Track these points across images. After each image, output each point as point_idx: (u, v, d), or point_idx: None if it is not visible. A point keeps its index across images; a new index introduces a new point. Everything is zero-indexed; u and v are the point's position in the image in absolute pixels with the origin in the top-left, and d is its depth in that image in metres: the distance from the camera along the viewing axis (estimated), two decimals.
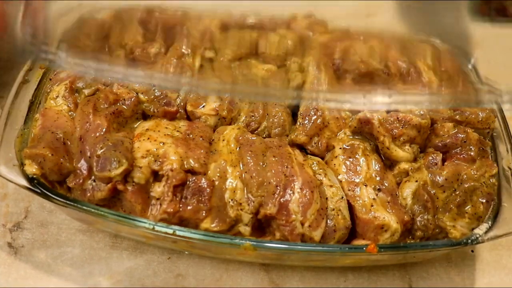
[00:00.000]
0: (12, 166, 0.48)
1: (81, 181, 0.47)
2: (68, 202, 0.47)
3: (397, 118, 0.50)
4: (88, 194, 0.47)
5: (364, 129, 0.51)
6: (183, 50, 0.55)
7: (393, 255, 0.48)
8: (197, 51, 0.55)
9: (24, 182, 0.47)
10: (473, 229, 0.47)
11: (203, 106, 0.52)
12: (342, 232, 0.47)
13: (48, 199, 0.47)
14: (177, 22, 0.57)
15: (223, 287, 0.52)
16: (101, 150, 0.47)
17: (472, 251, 0.55)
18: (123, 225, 0.46)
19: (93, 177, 0.47)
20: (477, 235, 0.46)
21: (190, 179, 0.47)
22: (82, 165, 0.48)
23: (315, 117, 0.52)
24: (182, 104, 0.52)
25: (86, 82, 0.52)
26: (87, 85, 0.52)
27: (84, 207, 0.46)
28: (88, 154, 0.48)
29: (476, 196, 0.47)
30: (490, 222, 0.47)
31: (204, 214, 0.47)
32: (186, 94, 0.52)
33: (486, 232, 0.46)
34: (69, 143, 0.49)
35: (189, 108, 0.52)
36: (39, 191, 0.47)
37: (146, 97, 0.52)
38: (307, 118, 0.52)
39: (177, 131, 0.50)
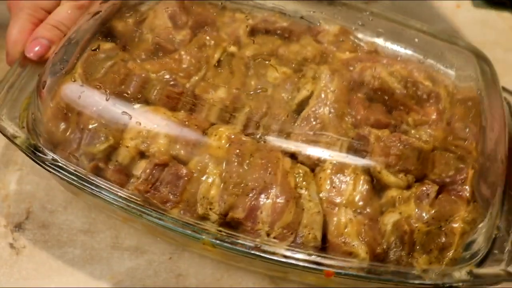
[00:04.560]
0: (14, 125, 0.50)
1: (68, 153, 0.48)
2: (55, 167, 0.48)
3: (399, 139, 0.48)
4: (72, 169, 0.48)
5: (362, 145, 0.49)
6: (205, 41, 0.55)
7: (354, 281, 0.46)
8: (220, 44, 0.55)
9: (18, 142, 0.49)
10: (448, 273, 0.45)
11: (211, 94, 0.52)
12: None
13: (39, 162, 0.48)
14: (209, 16, 0.58)
15: (224, 287, 0.52)
16: (94, 125, 0.47)
17: None
18: (96, 198, 0.47)
19: (80, 152, 0.48)
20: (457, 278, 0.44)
21: (171, 164, 0.47)
22: (74, 137, 0.48)
23: (314, 123, 0.50)
24: (190, 88, 0.52)
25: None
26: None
27: (65, 177, 0.47)
28: (81, 126, 0.48)
29: (462, 240, 0.45)
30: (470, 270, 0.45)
31: (170, 206, 0.46)
32: (198, 81, 0.52)
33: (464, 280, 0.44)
34: (69, 114, 0.49)
35: (197, 91, 0.51)
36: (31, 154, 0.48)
37: (156, 77, 0.51)
38: (306, 122, 0.50)
39: (174, 117, 0.49)
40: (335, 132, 0.50)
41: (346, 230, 0.45)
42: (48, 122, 0.49)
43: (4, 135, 0.49)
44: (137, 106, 0.49)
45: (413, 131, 0.51)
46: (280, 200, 0.45)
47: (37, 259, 0.53)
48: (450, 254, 0.45)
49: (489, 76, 0.56)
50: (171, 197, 0.47)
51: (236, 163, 0.47)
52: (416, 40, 0.58)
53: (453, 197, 0.47)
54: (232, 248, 0.45)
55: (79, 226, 0.55)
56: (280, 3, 0.60)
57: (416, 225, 0.46)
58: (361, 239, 0.45)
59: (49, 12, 0.55)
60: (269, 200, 0.45)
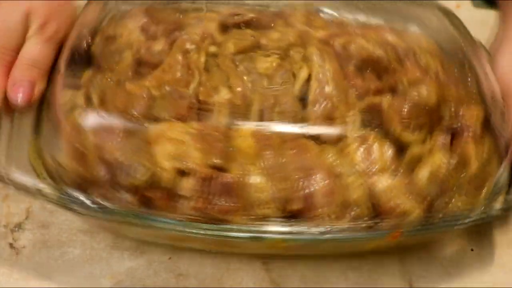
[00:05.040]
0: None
1: (105, 191, 0.45)
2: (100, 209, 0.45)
3: (406, 100, 0.50)
4: (119, 207, 0.45)
5: (373, 114, 0.50)
6: (187, 46, 0.54)
7: (415, 237, 0.49)
8: (201, 47, 0.54)
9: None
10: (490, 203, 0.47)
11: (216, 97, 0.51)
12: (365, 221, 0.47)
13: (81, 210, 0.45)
14: (175, 20, 0.56)
15: (224, 287, 0.52)
16: (122, 157, 0.45)
17: (472, 249, 0.55)
18: (155, 229, 0.46)
19: (118, 187, 0.45)
20: (498, 208, 0.47)
21: (215, 176, 0.46)
22: (102, 173, 0.46)
23: (324, 103, 0.51)
24: (193, 96, 0.51)
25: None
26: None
27: (117, 217, 0.45)
28: (108, 160, 0.46)
29: (490, 176, 0.48)
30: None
31: (233, 214, 0.46)
32: (196, 87, 0.51)
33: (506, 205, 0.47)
34: (84, 150, 0.47)
35: (201, 97, 0.51)
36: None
37: (158, 92, 0.50)
38: (317, 105, 0.51)
39: (192, 128, 0.49)
40: (346, 108, 0.51)
41: (392, 194, 0.47)
42: (70, 164, 0.46)
43: (27, 192, 0.46)
44: (150, 126, 0.48)
45: (411, 91, 0.52)
46: (326, 182, 0.47)
47: (37, 259, 0.53)
48: (484, 191, 0.48)
49: (460, 28, 0.59)
50: (229, 206, 0.46)
51: (271, 159, 0.47)
52: (378, 5, 0.60)
53: (467, 140, 0.50)
54: (304, 239, 0.46)
55: (79, 226, 0.55)
56: None
57: (448, 173, 0.48)
58: (410, 197, 0.47)
59: (16, 51, 0.51)
60: (317, 185, 0.46)
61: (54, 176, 0.47)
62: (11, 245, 0.53)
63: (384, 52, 0.55)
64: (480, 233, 0.56)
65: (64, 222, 0.55)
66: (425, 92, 0.52)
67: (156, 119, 0.49)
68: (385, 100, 0.51)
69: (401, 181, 0.48)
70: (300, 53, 0.55)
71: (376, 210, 0.47)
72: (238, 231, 0.46)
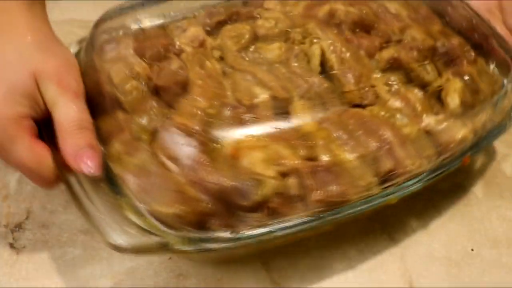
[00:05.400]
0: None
1: (226, 218, 0.44)
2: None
3: (411, 47, 0.55)
4: (247, 229, 0.44)
5: (392, 65, 0.55)
6: (200, 58, 0.53)
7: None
8: (209, 54, 0.54)
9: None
10: None
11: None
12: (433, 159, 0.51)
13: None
14: (167, 37, 0.55)
15: (224, 287, 0.52)
16: (230, 181, 0.44)
17: (472, 249, 0.55)
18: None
19: (237, 211, 0.45)
20: None
21: (313, 166, 0.47)
22: (216, 204, 0.44)
23: (351, 71, 0.53)
24: (237, 102, 0.50)
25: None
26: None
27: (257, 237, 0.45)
28: (212, 190, 0.44)
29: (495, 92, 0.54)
30: None
31: (348, 194, 0.47)
32: (231, 94, 0.50)
33: None
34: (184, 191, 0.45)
35: (245, 102, 0.50)
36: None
37: (212, 110, 0.49)
38: (347, 74, 0.53)
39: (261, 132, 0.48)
40: (368, 70, 0.54)
41: (446, 126, 0.52)
42: (178, 209, 0.44)
43: (139, 252, 0.43)
44: (223, 143, 0.47)
45: (407, 37, 0.57)
46: (396, 136, 0.50)
47: (37, 259, 0.53)
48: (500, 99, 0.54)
49: None
50: (343, 187, 0.47)
51: (345, 134, 0.49)
52: None
53: (464, 64, 0.56)
54: (409, 190, 0.49)
55: (79, 226, 0.55)
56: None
57: (474, 89, 0.54)
58: (458, 124, 0.52)
59: (34, 116, 0.46)
60: (392, 141, 0.49)
61: (161, 228, 0.44)
62: (11, 245, 0.53)
63: (364, 11, 0.58)
64: (480, 233, 0.56)
65: (65, 222, 0.55)
66: (417, 33, 0.57)
67: (225, 137, 0.48)
68: (396, 50, 0.55)
69: (444, 115, 0.52)
70: (300, 33, 0.56)
71: (437, 147, 0.52)
72: (365, 203, 0.48)
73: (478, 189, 0.60)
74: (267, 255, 0.54)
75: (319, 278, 0.53)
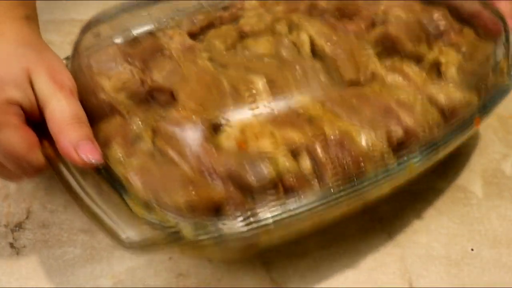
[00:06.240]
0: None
1: (240, 203, 0.44)
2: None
3: (398, 22, 0.56)
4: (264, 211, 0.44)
5: (384, 45, 0.55)
6: (191, 56, 0.52)
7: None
8: (198, 55, 0.53)
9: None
10: None
11: None
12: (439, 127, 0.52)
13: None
14: (159, 44, 0.54)
15: (224, 287, 0.52)
16: (240, 163, 0.44)
17: (472, 249, 0.55)
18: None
19: (254, 191, 0.44)
20: None
21: (323, 139, 0.47)
22: (228, 188, 0.44)
23: (342, 51, 0.53)
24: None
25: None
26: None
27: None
28: (225, 174, 0.44)
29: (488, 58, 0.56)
30: None
31: (363, 164, 0.47)
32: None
33: None
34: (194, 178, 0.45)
35: (247, 95, 0.50)
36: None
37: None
38: (339, 55, 0.53)
39: (262, 119, 0.48)
40: (360, 49, 0.55)
41: (450, 93, 0.53)
42: (193, 193, 0.43)
43: (151, 247, 0.42)
44: (230, 129, 0.47)
45: (391, 17, 0.57)
46: (403, 108, 0.50)
47: (37, 259, 0.53)
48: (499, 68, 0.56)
49: None
50: (357, 158, 0.47)
51: (351, 109, 0.50)
52: None
53: (452, 37, 0.57)
54: (427, 156, 0.50)
55: (79, 225, 0.55)
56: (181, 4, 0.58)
57: (468, 60, 0.55)
58: (467, 87, 0.54)
59: (25, 107, 0.46)
60: (400, 111, 0.50)
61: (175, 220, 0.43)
62: (11, 245, 0.53)
63: None
64: (480, 232, 0.56)
65: (65, 222, 0.55)
66: (402, 12, 0.57)
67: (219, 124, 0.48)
68: (385, 28, 0.56)
69: (445, 84, 0.54)
70: (285, 25, 0.56)
71: (443, 113, 0.53)
72: (388, 171, 0.48)
73: (478, 189, 0.60)
74: (267, 255, 0.54)
75: (319, 278, 0.53)
